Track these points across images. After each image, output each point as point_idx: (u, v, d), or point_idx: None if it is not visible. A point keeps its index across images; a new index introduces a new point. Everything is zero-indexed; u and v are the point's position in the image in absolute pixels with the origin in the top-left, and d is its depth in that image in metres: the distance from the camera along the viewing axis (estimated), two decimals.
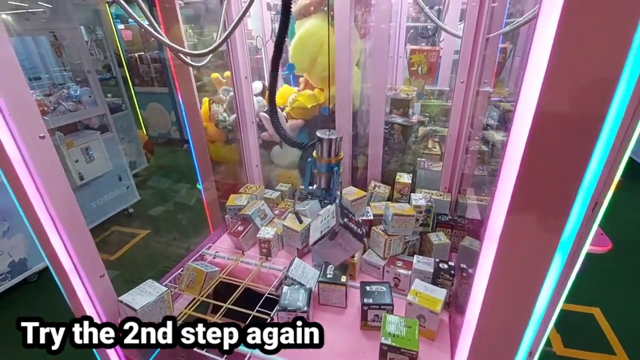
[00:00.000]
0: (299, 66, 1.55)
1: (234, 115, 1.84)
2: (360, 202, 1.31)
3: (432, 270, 1.11)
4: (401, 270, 1.18)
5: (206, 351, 0.95)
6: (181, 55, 1.15)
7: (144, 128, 5.74)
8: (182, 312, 1.09)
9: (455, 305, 1.10)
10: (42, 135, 0.79)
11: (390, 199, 1.51)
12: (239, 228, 1.43)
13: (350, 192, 1.32)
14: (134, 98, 5.47)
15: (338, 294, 1.13)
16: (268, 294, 1.18)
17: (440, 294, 1.03)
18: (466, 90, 1.27)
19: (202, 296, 1.17)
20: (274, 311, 1.11)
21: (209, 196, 1.70)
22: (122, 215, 3.70)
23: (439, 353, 0.98)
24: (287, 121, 1.71)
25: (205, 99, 1.90)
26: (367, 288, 1.08)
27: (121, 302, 0.99)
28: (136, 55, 5.43)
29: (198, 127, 1.60)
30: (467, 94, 1.27)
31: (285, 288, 1.08)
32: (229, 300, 1.14)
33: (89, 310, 0.95)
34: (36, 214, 0.84)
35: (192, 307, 1.12)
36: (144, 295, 1.02)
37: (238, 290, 1.20)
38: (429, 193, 1.43)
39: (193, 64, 1.25)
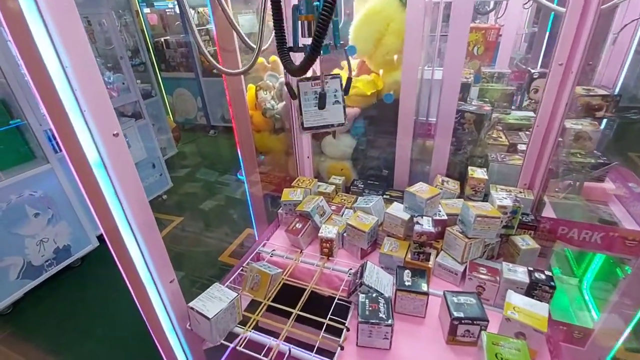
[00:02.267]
0: (361, 48, 1.40)
1: (283, 103, 1.73)
2: (434, 200, 1.19)
3: (527, 281, 0.99)
4: (487, 279, 1.06)
5: None
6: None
7: (171, 114, 5.73)
8: (252, 319, 1.02)
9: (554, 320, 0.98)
10: (115, 132, 0.71)
11: (460, 196, 1.37)
12: (297, 226, 1.34)
13: (422, 190, 1.20)
14: (160, 84, 5.44)
15: (417, 303, 1.03)
16: (338, 298, 1.10)
17: (543, 309, 0.91)
18: (565, 74, 1.10)
19: (268, 300, 1.10)
20: (348, 319, 1.03)
21: (254, 190, 1.62)
22: (156, 203, 3.72)
23: None
24: None
25: (251, 86, 1.79)
26: (454, 299, 0.97)
27: (192, 309, 0.92)
28: (162, 39, 5.35)
29: (244, 115, 1.50)
30: (565, 79, 1.10)
31: (362, 297, 0.99)
32: (298, 306, 1.06)
33: (162, 315, 0.89)
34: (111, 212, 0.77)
35: (259, 312, 1.05)
36: (214, 302, 0.95)
37: (305, 294, 1.12)
38: (510, 190, 1.29)
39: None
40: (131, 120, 3.20)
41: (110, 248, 0.81)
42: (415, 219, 1.15)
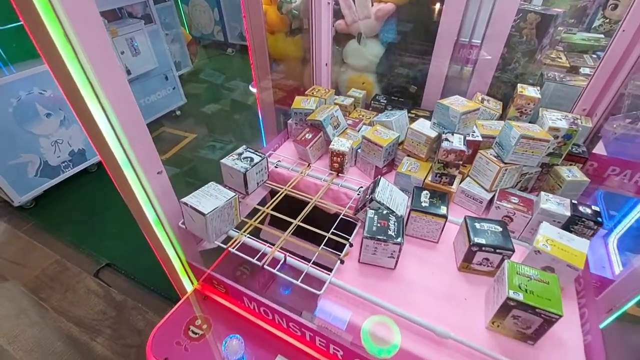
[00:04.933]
0: None
1: None
2: (471, 116, 0.99)
3: (568, 214, 0.84)
4: (518, 209, 0.91)
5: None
6: None
7: (186, 27, 5.34)
8: (249, 224, 0.94)
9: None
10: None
11: (501, 118, 1.17)
12: (306, 136, 1.20)
13: (458, 102, 1.00)
14: None
15: (433, 227, 0.91)
16: (344, 215, 1.00)
17: (582, 245, 0.77)
18: None
19: (268, 208, 1.01)
20: (353, 235, 0.94)
21: (264, 96, 1.45)
22: (170, 117, 3.64)
23: (565, 312, 0.77)
24: (372, 4, 1.31)
25: None
26: (476, 225, 0.84)
27: (186, 204, 0.84)
28: None
29: (257, 12, 1.26)
30: None
31: (370, 212, 0.88)
32: (299, 218, 0.97)
33: (147, 210, 0.81)
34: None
35: (257, 219, 0.97)
36: (209, 199, 0.86)
37: (308, 207, 1.02)
38: (566, 115, 1.07)
39: None
40: (140, 22, 2.94)
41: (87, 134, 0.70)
42: (444, 136, 0.98)
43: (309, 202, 1.04)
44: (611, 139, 1.21)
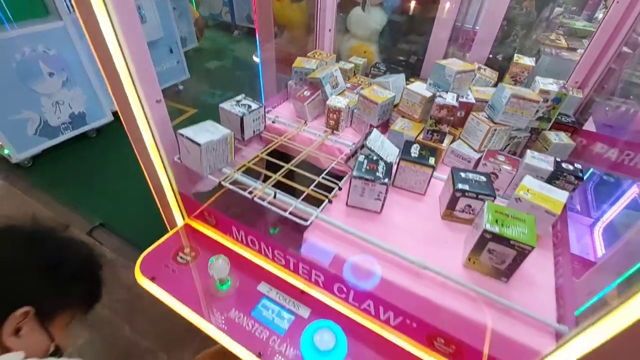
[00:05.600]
0: None
1: None
2: (466, 77, 1.02)
3: (551, 169, 0.87)
4: (504, 166, 0.94)
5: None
6: None
7: (194, 4, 5.33)
8: (242, 165, 0.97)
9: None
10: None
11: (496, 86, 1.20)
12: (305, 93, 1.22)
13: (455, 63, 1.03)
14: None
15: (420, 177, 0.94)
16: (336, 164, 1.02)
17: (561, 195, 0.80)
18: None
19: (263, 154, 1.04)
20: (342, 180, 0.96)
21: (267, 56, 1.47)
22: (172, 91, 3.65)
23: (540, 260, 0.81)
24: None
25: None
26: (462, 174, 0.87)
27: (182, 135, 0.86)
28: None
29: None
30: None
31: (361, 157, 0.90)
32: (292, 162, 1.00)
33: (147, 138, 0.83)
34: None
35: (251, 160, 0.99)
36: (205, 133, 0.88)
37: (301, 155, 1.05)
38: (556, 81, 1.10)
39: None
40: None
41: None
42: (438, 93, 1.00)
43: (301, 149, 1.06)
44: (602, 118, 1.25)
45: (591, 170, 1.88)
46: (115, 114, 3.07)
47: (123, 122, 0.84)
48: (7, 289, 0.54)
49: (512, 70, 1.11)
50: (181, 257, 0.88)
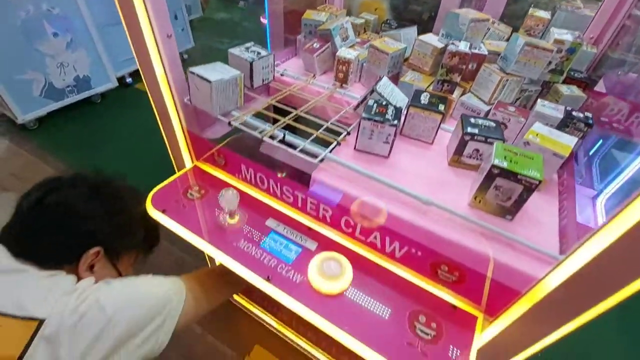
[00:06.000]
0: None
1: None
2: (480, 27, 1.00)
3: (561, 117, 0.87)
4: (513, 116, 0.94)
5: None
6: None
7: None
8: (252, 109, 0.97)
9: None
10: None
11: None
12: (314, 45, 1.21)
13: (468, 12, 1.01)
14: None
15: (429, 124, 0.94)
16: (345, 113, 1.02)
17: (570, 140, 0.80)
18: None
19: (272, 101, 1.03)
20: (352, 126, 0.97)
21: (275, 8, 1.44)
22: None
23: (545, 204, 0.82)
24: None
25: None
26: (472, 120, 0.87)
27: (192, 73, 0.86)
28: None
29: None
30: None
31: (370, 101, 0.90)
32: (301, 108, 1.00)
33: (159, 73, 0.83)
34: None
35: (262, 107, 0.99)
36: (215, 73, 0.88)
37: (310, 103, 1.05)
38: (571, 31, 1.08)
39: None
40: None
41: None
42: (450, 42, 0.99)
43: (309, 99, 1.06)
44: (613, 79, 1.23)
45: (600, 142, 1.87)
46: (120, 79, 3.05)
47: (136, 58, 0.83)
48: (81, 232, 0.62)
49: (526, 23, 1.09)
50: (190, 194, 0.89)
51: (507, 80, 0.97)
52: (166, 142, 0.99)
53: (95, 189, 0.66)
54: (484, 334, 0.69)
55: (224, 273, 0.77)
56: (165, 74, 0.85)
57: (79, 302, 0.52)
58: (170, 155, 1.02)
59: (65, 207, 0.61)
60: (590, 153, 1.81)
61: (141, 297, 0.60)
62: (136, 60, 0.83)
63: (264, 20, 1.55)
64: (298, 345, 1.45)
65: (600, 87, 1.23)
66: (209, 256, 1.49)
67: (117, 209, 0.67)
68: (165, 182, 0.92)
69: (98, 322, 0.52)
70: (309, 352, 1.43)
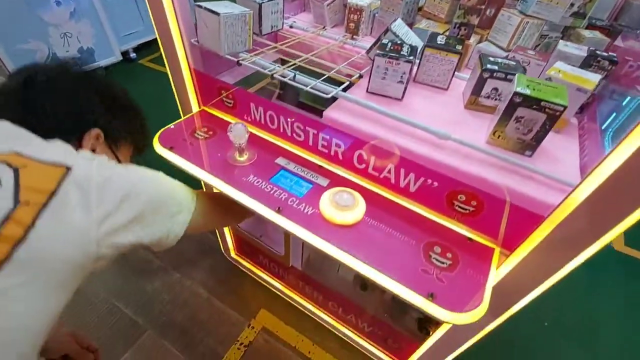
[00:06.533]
0: None
1: None
2: None
3: (584, 55, 0.83)
4: (533, 58, 0.90)
5: None
6: None
7: None
8: (260, 51, 0.93)
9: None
10: None
11: None
12: None
13: None
14: None
15: (446, 67, 0.91)
16: (357, 58, 0.99)
17: (594, 77, 0.77)
18: None
19: (282, 46, 1.00)
20: (364, 70, 0.93)
21: None
22: None
23: (565, 144, 0.79)
24: None
25: None
26: (491, 58, 0.83)
27: (200, 6, 0.83)
28: None
29: None
30: None
31: (385, 40, 0.87)
32: (312, 53, 0.97)
33: (167, 6, 0.80)
34: None
35: (271, 50, 0.96)
36: (224, 8, 0.85)
37: (320, 49, 1.01)
38: None
39: None
40: None
41: None
42: None
43: (319, 46, 1.03)
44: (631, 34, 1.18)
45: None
46: (124, 54, 3.01)
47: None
48: (80, 111, 0.60)
49: None
50: (198, 134, 0.87)
51: (527, 22, 0.93)
52: (173, 88, 0.96)
53: (85, 75, 0.65)
54: (500, 269, 0.67)
55: (233, 202, 0.75)
56: (175, 13, 0.81)
57: (102, 168, 0.50)
58: (177, 102, 0.99)
59: (60, 85, 0.58)
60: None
61: (161, 180, 0.59)
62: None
63: None
64: (304, 307, 1.45)
65: (619, 42, 1.18)
66: None
67: (109, 95, 0.66)
68: (172, 124, 0.90)
69: (123, 186, 0.51)
70: (315, 314, 1.42)
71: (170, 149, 0.81)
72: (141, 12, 3.03)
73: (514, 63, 0.83)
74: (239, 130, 0.74)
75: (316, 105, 0.82)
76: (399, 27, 0.91)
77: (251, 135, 0.78)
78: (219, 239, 1.60)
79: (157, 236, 0.55)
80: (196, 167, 0.77)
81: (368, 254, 0.63)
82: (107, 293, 1.60)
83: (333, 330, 1.41)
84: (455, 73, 0.94)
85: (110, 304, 1.57)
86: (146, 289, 1.64)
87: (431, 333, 1.00)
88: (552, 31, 0.99)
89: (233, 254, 1.60)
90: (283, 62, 1.10)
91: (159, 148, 0.81)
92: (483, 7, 0.93)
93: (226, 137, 0.79)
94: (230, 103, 0.90)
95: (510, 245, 0.66)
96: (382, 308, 1.21)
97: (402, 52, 0.82)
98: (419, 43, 0.94)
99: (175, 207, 0.59)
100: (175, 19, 0.83)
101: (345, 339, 1.38)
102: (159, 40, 0.89)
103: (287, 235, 1.16)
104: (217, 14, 0.81)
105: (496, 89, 0.82)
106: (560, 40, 0.88)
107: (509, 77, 0.79)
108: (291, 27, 1.21)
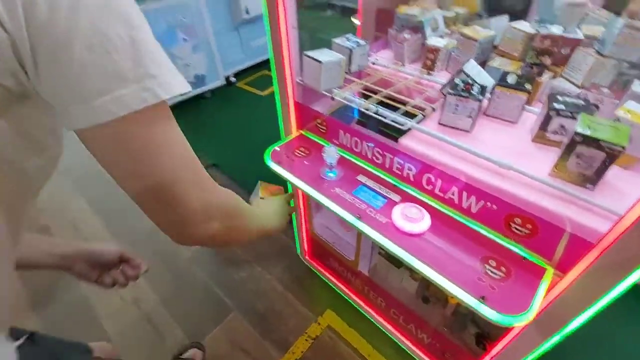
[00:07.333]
0: None
1: None
2: (577, 12, 1.03)
3: None
4: (607, 97, 0.95)
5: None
6: None
7: None
8: (349, 87, 1.16)
9: None
10: None
11: None
12: (405, 35, 1.35)
13: None
14: None
15: (515, 103, 1.01)
16: (431, 91, 1.14)
17: None
18: None
19: (367, 82, 1.21)
20: (437, 104, 1.08)
21: (367, 8, 1.61)
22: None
23: (630, 178, 0.83)
24: None
25: None
26: (559, 97, 0.92)
27: (307, 55, 1.09)
28: None
29: None
30: None
31: (457, 80, 1.01)
32: (390, 88, 1.15)
33: (286, 65, 1.07)
34: None
35: (359, 85, 1.18)
36: (324, 57, 1.09)
37: (399, 84, 1.19)
38: None
39: None
40: None
41: None
42: (542, 25, 1.04)
43: (396, 82, 1.21)
44: None
45: None
46: (227, 78, 3.59)
47: (270, 43, 1.09)
48: None
49: (630, 9, 1.06)
50: (298, 153, 1.12)
51: (603, 62, 0.98)
52: (279, 113, 1.24)
53: None
54: (552, 291, 0.75)
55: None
56: (290, 60, 1.08)
57: None
58: (280, 125, 1.27)
59: None
60: None
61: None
62: (270, 44, 1.09)
63: (356, 21, 1.75)
64: (366, 311, 1.59)
65: None
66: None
67: None
68: (278, 144, 1.16)
69: None
70: (376, 319, 1.55)
71: (278, 163, 1.06)
72: (242, 42, 3.61)
73: (583, 102, 0.90)
74: (331, 152, 0.95)
75: (392, 133, 0.99)
76: (471, 67, 1.05)
77: (339, 157, 0.99)
78: (297, 243, 1.85)
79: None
80: (297, 178, 1.01)
81: (431, 259, 0.78)
82: (203, 274, 1.97)
83: (392, 337, 1.52)
84: (526, 107, 1.03)
85: (205, 283, 1.92)
86: (234, 277, 1.96)
87: (488, 349, 1.06)
88: (633, 69, 1.01)
89: (306, 256, 1.83)
90: (364, 95, 1.31)
91: (269, 162, 1.07)
92: (555, 49, 1.01)
93: (319, 156, 1.02)
94: (323, 129, 1.13)
95: (564, 268, 0.74)
96: (442, 321, 1.30)
97: (472, 92, 0.95)
98: (490, 82, 1.06)
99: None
100: (289, 64, 1.10)
101: (403, 346, 1.48)
102: (274, 78, 1.17)
103: (358, 242, 1.34)
104: (320, 62, 1.05)
105: (563, 126, 0.90)
106: (636, 80, 0.91)
107: (575, 115, 0.87)
108: (373, 64, 1.41)
